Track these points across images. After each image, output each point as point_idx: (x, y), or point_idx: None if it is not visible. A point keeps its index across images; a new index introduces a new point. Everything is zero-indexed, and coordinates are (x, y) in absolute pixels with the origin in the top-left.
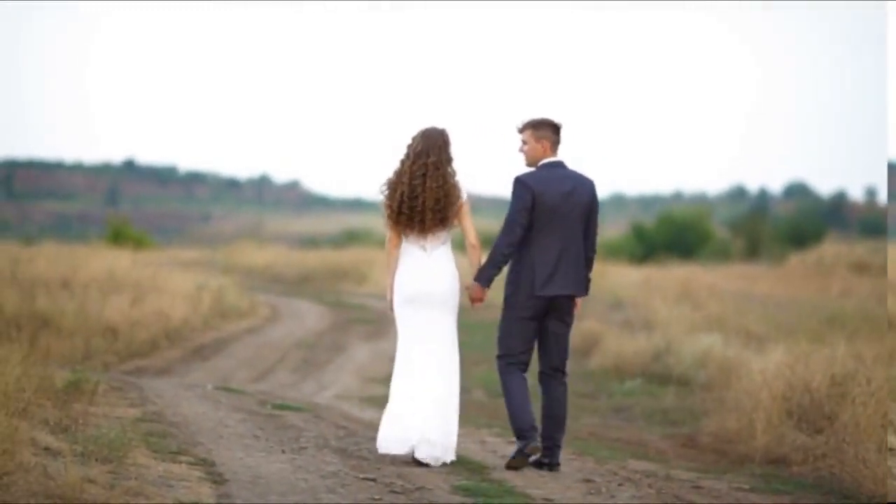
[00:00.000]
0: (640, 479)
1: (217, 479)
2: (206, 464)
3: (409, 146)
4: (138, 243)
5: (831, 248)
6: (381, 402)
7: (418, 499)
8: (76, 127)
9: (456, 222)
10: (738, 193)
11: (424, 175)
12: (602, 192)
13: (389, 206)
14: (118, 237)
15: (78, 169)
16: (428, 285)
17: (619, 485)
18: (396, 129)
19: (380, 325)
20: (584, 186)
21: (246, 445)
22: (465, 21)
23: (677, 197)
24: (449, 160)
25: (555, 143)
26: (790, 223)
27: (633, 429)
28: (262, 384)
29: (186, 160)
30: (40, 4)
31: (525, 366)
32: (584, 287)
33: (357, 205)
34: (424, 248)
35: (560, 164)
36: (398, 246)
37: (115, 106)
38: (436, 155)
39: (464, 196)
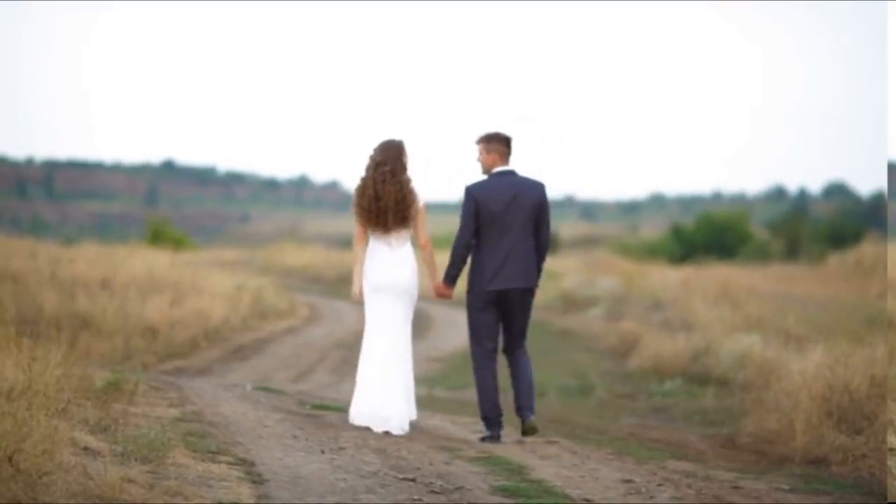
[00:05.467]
0: (679, 480)
1: (256, 479)
2: (245, 463)
3: (371, 157)
4: (178, 244)
5: (871, 249)
6: (419, 402)
7: (458, 499)
8: (116, 127)
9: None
10: (778, 194)
11: (384, 181)
12: (642, 193)
13: (359, 206)
14: (157, 237)
15: (117, 169)
16: (392, 276)
17: (659, 485)
18: (435, 131)
19: (417, 325)
20: (530, 191)
21: (285, 445)
22: (507, 22)
23: (716, 197)
24: (404, 169)
25: (504, 153)
26: (829, 223)
27: (672, 429)
28: (302, 384)
29: (225, 161)
30: (76, 5)
31: (492, 350)
32: (534, 279)
33: None
34: (390, 245)
35: (509, 173)
36: (364, 241)
37: (154, 107)
38: (392, 164)
39: (420, 202)
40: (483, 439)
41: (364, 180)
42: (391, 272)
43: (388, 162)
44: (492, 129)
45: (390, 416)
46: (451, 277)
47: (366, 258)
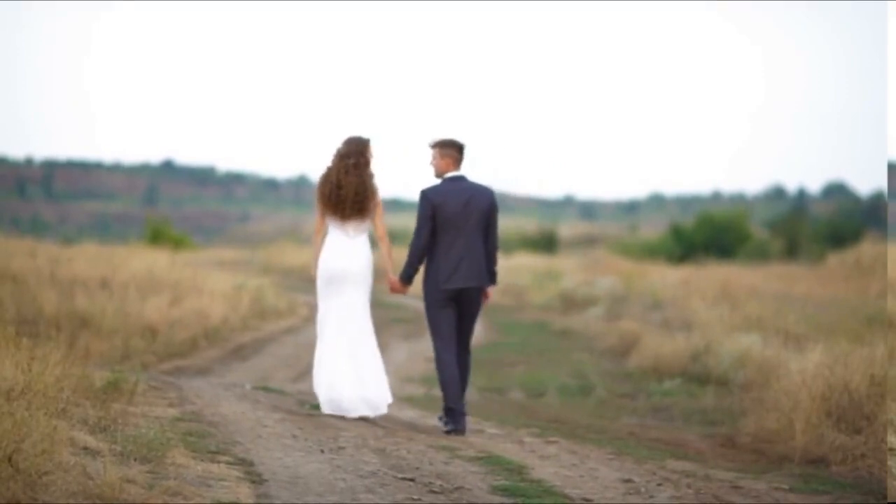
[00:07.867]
0: (678, 479)
1: (256, 479)
2: (244, 463)
3: (337, 150)
4: (177, 243)
5: (870, 249)
6: (419, 401)
7: (457, 499)
8: (115, 127)
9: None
10: (777, 193)
11: (347, 172)
12: (641, 192)
13: (321, 193)
14: (157, 237)
15: (117, 169)
16: (347, 263)
17: (658, 485)
18: (432, 131)
19: (418, 324)
20: (481, 195)
21: (284, 445)
22: (507, 22)
23: (716, 197)
24: (366, 164)
25: (457, 160)
26: (829, 223)
27: (671, 429)
28: (301, 384)
29: (225, 160)
30: (76, 5)
31: (451, 345)
32: (486, 279)
33: (394, 205)
34: (347, 234)
35: (461, 178)
36: (322, 229)
37: (154, 107)
38: (355, 158)
39: (378, 197)
40: (447, 432)
41: (328, 170)
42: (344, 260)
43: (352, 155)
44: (446, 136)
45: (362, 398)
46: (407, 276)
47: (324, 246)
